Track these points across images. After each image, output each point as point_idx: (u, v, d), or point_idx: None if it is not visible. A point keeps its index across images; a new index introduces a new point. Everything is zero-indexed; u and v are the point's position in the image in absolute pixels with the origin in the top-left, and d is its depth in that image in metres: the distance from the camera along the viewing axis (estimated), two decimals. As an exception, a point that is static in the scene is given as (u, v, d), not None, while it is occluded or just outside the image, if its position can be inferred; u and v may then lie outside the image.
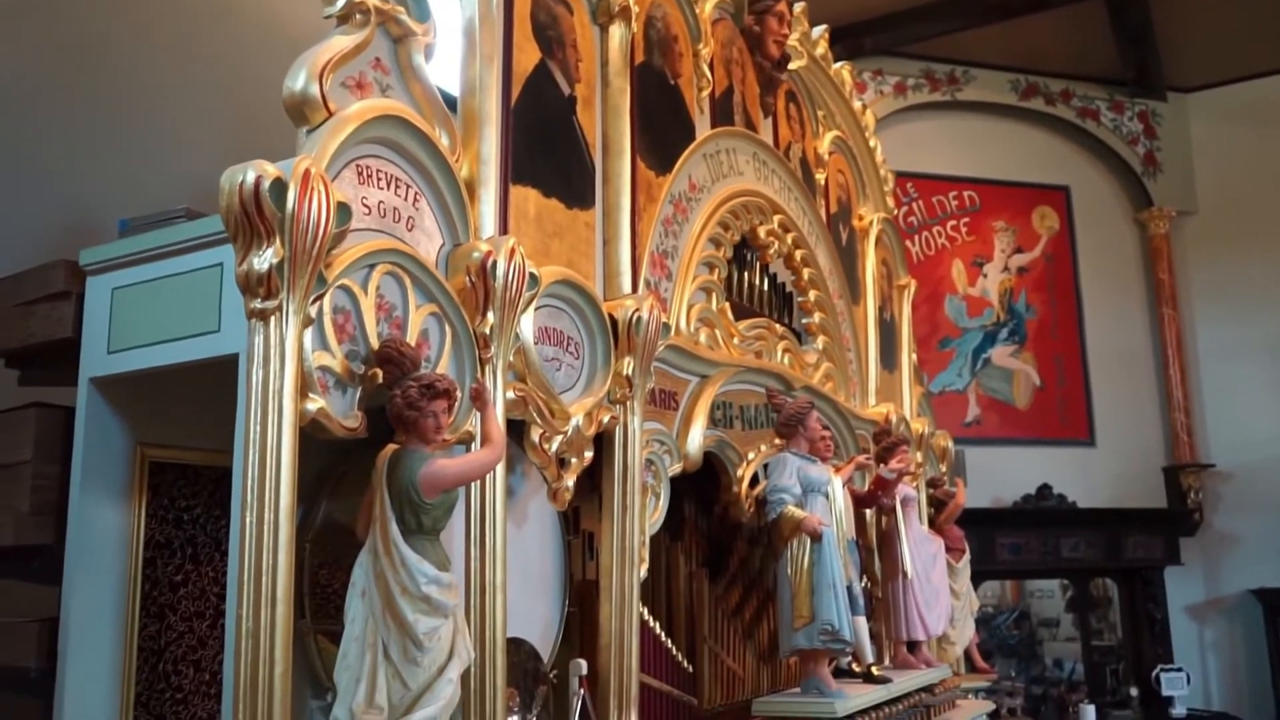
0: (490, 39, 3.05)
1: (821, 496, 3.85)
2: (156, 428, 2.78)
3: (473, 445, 2.73)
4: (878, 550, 4.87)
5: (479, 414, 2.65)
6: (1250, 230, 10.49)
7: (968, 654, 5.95)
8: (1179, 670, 9.60)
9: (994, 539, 9.35)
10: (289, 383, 2.20)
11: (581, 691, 3.08)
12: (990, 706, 5.37)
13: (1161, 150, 11.01)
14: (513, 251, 2.80)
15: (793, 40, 4.98)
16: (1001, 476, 9.79)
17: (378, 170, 2.61)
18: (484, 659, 2.64)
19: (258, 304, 2.20)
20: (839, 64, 5.74)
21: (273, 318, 2.21)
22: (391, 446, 2.49)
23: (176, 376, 2.59)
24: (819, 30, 5.50)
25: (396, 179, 2.67)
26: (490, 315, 2.77)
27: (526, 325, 2.96)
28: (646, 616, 3.52)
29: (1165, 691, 9.40)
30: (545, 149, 3.27)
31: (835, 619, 3.60)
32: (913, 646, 4.76)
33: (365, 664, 2.31)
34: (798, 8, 5.14)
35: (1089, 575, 10.23)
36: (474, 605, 2.65)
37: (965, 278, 10.60)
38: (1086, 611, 10.36)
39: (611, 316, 3.33)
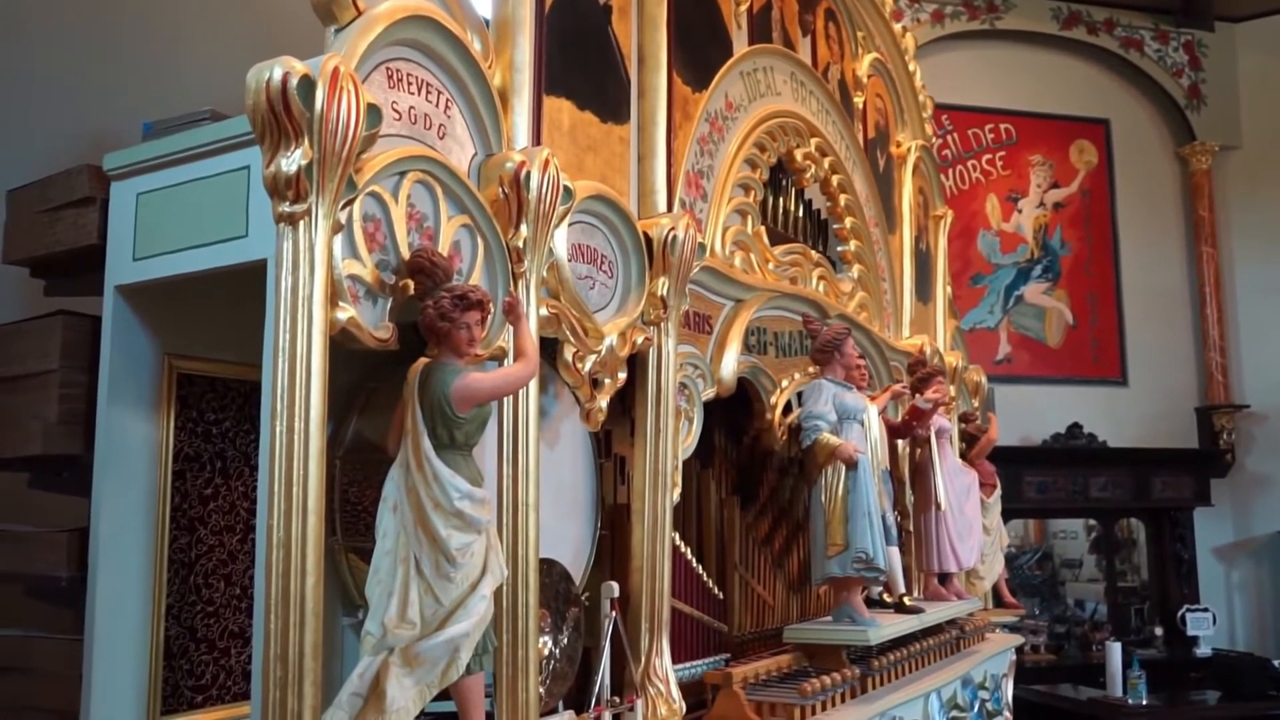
0: (524, -61, 2.91)
1: (857, 424, 3.77)
2: (185, 338, 2.73)
3: (505, 361, 2.66)
4: (910, 482, 4.80)
5: (512, 328, 2.57)
6: (1294, 166, 10.19)
7: (995, 589, 5.91)
8: (1205, 610, 9.57)
9: (1021, 478, 9.27)
10: (319, 289, 2.13)
11: (613, 614, 3.05)
12: (1019, 640, 5.34)
13: (1206, 82, 10.67)
14: (547, 163, 2.70)
15: (834, -44, 4.80)
16: (1031, 415, 9.68)
17: (408, 74, 2.51)
18: (516, 578, 2.60)
19: (286, 207, 2.12)
20: (880, -18, 5.53)
21: (301, 222, 2.13)
22: (423, 360, 2.43)
23: (204, 285, 2.53)
24: (858, -53, 5.29)
25: (427, 84, 2.56)
26: (523, 228, 2.68)
27: (560, 241, 2.87)
28: (678, 542, 3.47)
29: (1190, 631, 9.38)
30: (580, 59, 3.15)
31: (870, 547, 3.55)
32: (943, 579, 4.71)
33: (397, 578, 2.27)
34: (840, -79, 4.95)
35: (1117, 515, 10.15)
36: (506, 523, 2.61)
37: (999, 213, 10.38)
38: (1112, 552, 10.30)
39: (646, 235, 3.24)
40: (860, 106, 5.23)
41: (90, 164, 2.71)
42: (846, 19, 5.19)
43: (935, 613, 4.25)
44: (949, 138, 10.18)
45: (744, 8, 4.11)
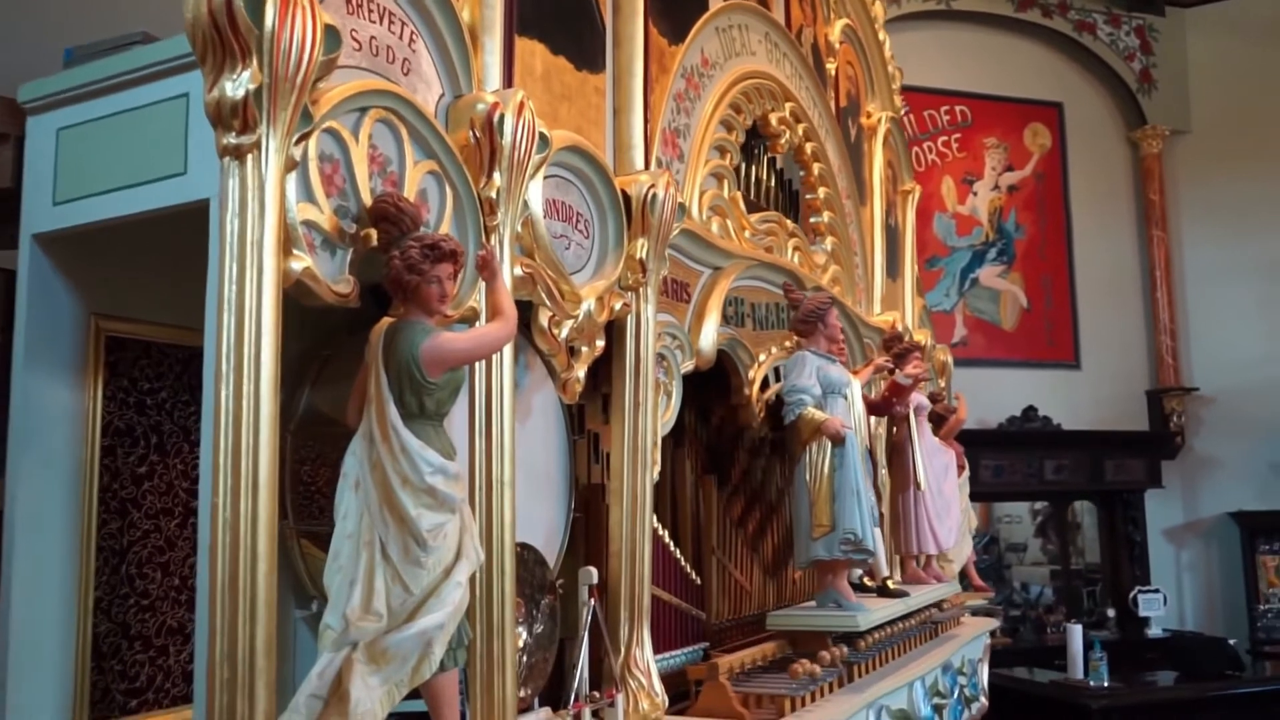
0: None
1: (841, 399, 3.58)
2: (114, 296, 2.42)
3: (478, 324, 2.40)
4: (887, 461, 4.63)
5: (486, 285, 2.32)
6: (1243, 150, 10.25)
7: (964, 572, 5.78)
8: (1156, 592, 9.62)
9: (978, 461, 9.20)
10: (270, 234, 1.86)
11: (592, 602, 2.81)
12: (995, 624, 5.21)
13: (1157, 67, 10.70)
14: (522, 106, 2.45)
15: (806, -87, 4.59)
16: (987, 398, 9.61)
17: (369, 0, 2.23)
18: (492, 563, 2.35)
19: (231, 139, 1.84)
20: (849, -53, 5.33)
21: (249, 156, 1.85)
22: (387, 320, 2.16)
23: (137, 234, 2.24)
24: (831, -93, 5.09)
25: (390, 13, 2.29)
26: (496, 177, 2.43)
27: (535, 194, 2.62)
28: (655, 525, 3.25)
29: (1143, 613, 9.42)
30: (554, 1, 2.89)
31: (858, 527, 3.36)
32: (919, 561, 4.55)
33: (361, 565, 2.01)
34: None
35: (1071, 498, 10.17)
36: (480, 504, 2.35)
37: (955, 195, 10.31)
38: (1065, 535, 10.32)
39: (624, 193, 3.00)
40: (832, 73, 5.03)
41: (3, 96, 2.38)
42: (819, -19, 4.99)
43: (920, 595, 4.08)
44: (905, 119, 10.05)
45: (719, -41, 3.88)
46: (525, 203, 2.55)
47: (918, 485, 4.30)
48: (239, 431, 1.80)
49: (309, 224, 1.99)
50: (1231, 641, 8.33)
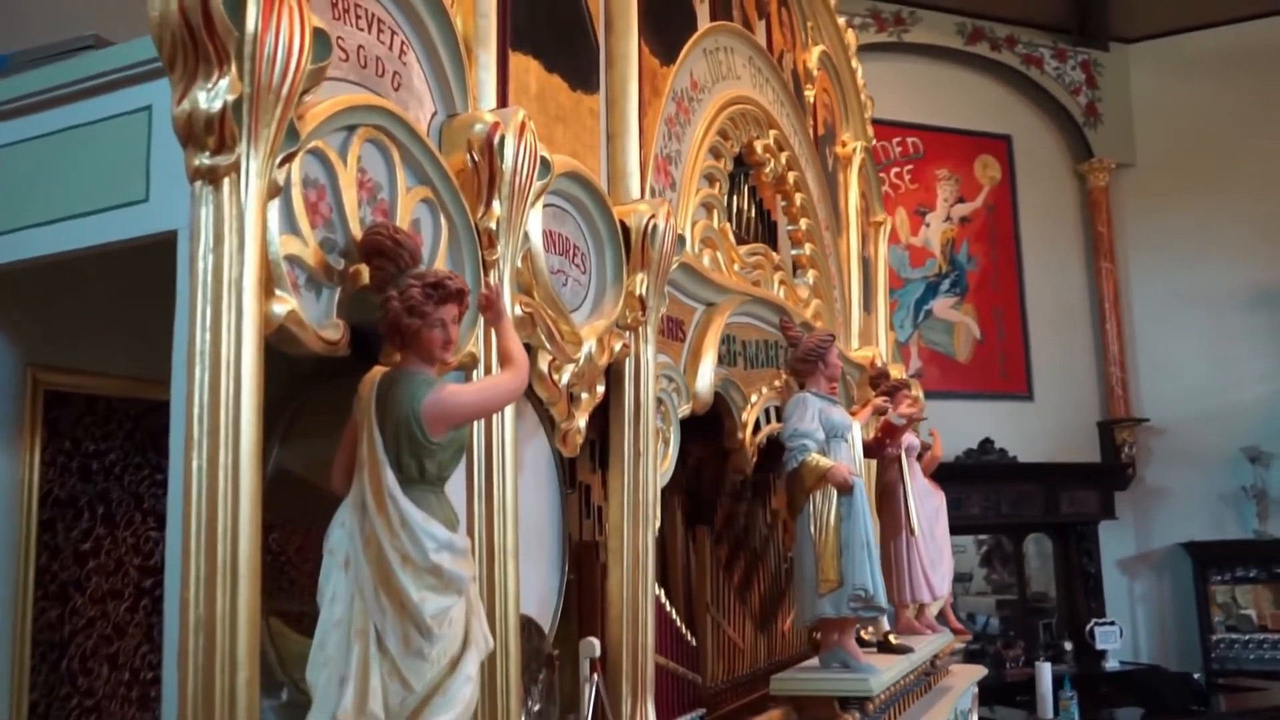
0: None
1: (844, 443, 3.35)
2: (54, 344, 2.08)
3: (475, 372, 2.13)
4: (877, 505, 4.41)
5: (494, 329, 2.04)
6: (1186, 184, 10.39)
7: (941, 613, 5.59)
8: (1112, 624, 9.58)
9: (936, 494, 9.09)
10: (250, 271, 1.57)
11: (594, 677, 2.53)
12: (984, 672, 5.02)
13: (1102, 101, 10.83)
14: (523, 127, 2.19)
15: (786, -65, 4.42)
16: (943, 430, 9.40)
17: (356, 4, 1.97)
18: (495, 644, 2.05)
19: (205, 159, 1.55)
20: (823, -28, 5.19)
21: (226, 179, 1.56)
22: (378, 369, 1.88)
23: (82, 272, 1.92)
24: (806, -70, 4.93)
25: (380, 21, 2.02)
26: (496, 206, 2.16)
27: (534, 225, 2.35)
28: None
29: (1099, 645, 9.37)
30: (547, 12, 2.65)
31: (869, 582, 3.12)
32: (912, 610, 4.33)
33: (353, 658, 1.71)
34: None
35: (1026, 530, 10.11)
36: (480, 576, 2.06)
37: (908, 227, 10.27)
38: (1021, 567, 10.24)
39: (623, 224, 2.74)
40: (811, 101, 4.85)
41: (-77, 111, 2.05)
42: (798, 6, 4.82)
43: (922, 651, 3.86)
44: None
45: (706, -21, 3.67)
46: (526, 234, 2.28)
47: (911, 530, 4.09)
48: (214, 510, 1.50)
49: (293, 259, 1.70)
50: (1196, 676, 8.28)
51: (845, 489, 3.17)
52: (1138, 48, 10.91)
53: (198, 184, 1.56)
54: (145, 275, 1.82)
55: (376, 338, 1.91)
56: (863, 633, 3.81)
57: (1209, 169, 10.31)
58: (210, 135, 1.54)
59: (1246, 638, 9.52)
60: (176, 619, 1.48)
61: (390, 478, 1.75)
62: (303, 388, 2.30)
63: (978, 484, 9.40)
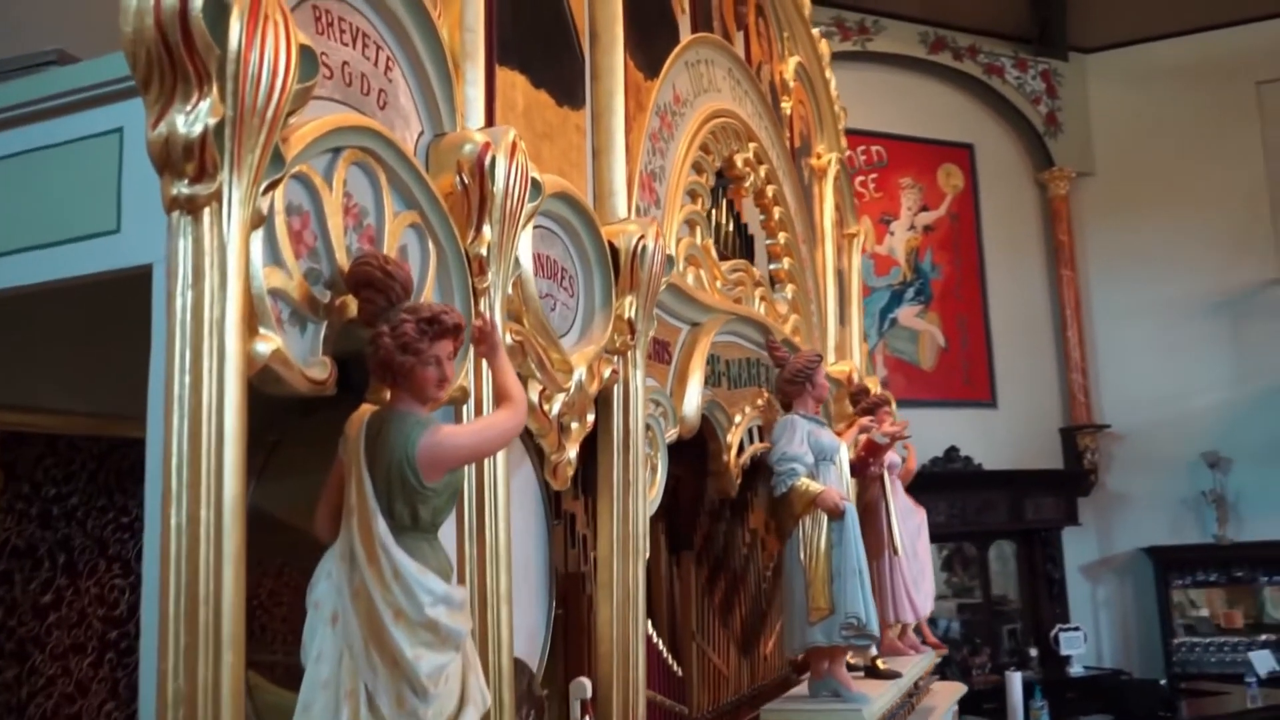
0: None
1: (833, 465, 3.27)
2: (10, 381, 1.93)
3: (465, 407, 2.01)
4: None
5: (488, 363, 1.93)
6: (1144, 193, 10.49)
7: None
8: (1076, 629, 9.63)
9: (902, 503, 9.08)
10: (233, 309, 1.44)
11: (587, 719, 2.42)
12: (964, 689, 4.97)
13: (1062, 110, 10.90)
14: (514, 147, 2.08)
15: (763, -56, 4.35)
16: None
17: (340, 19, 1.85)
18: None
19: (184, 188, 1.43)
20: (797, -18, 5.12)
21: (207, 210, 1.44)
22: (366, 407, 1.76)
23: (43, 303, 1.77)
24: (782, -61, 4.86)
25: (365, 35, 1.91)
26: (486, 231, 2.05)
27: (524, 249, 2.24)
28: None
29: (1064, 651, 9.40)
30: (533, 26, 2.54)
31: (861, 610, 3.04)
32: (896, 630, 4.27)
33: (342, 720, 1.59)
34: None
35: (992, 537, 10.14)
36: (474, 624, 1.95)
37: (873, 235, 10.23)
38: (986, 574, 10.26)
39: (612, 245, 2.64)
40: (788, 113, 4.79)
41: None
42: (774, 16, 4.75)
43: (910, 673, 3.79)
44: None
45: (687, -11, 3.58)
46: (517, 259, 2.17)
47: (894, 550, 4.03)
48: (194, 570, 1.37)
49: (276, 293, 1.58)
50: (1162, 683, 8.33)
51: (836, 514, 3.10)
52: (1096, 58, 11.01)
53: (175, 214, 1.44)
54: (112, 305, 1.69)
55: (360, 367, 1.80)
56: (849, 657, 3.72)
57: (1167, 178, 10.42)
58: (189, 162, 1.42)
59: (1208, 641, 9.62)
60: (153, 692, 1.35)
61: (382, 526, 1.64)
62: (281, 420, 2.17)
63: (944, 492, 9.39)
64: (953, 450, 9.68)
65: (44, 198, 1.64)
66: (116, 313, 1.68)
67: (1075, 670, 9.49)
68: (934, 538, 9.72)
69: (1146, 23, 10.58)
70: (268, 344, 1.52)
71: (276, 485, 2.16)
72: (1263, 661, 8.05)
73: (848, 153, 9.84)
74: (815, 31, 5.29)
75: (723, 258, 3.92)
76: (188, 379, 1.41)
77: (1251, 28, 10.42)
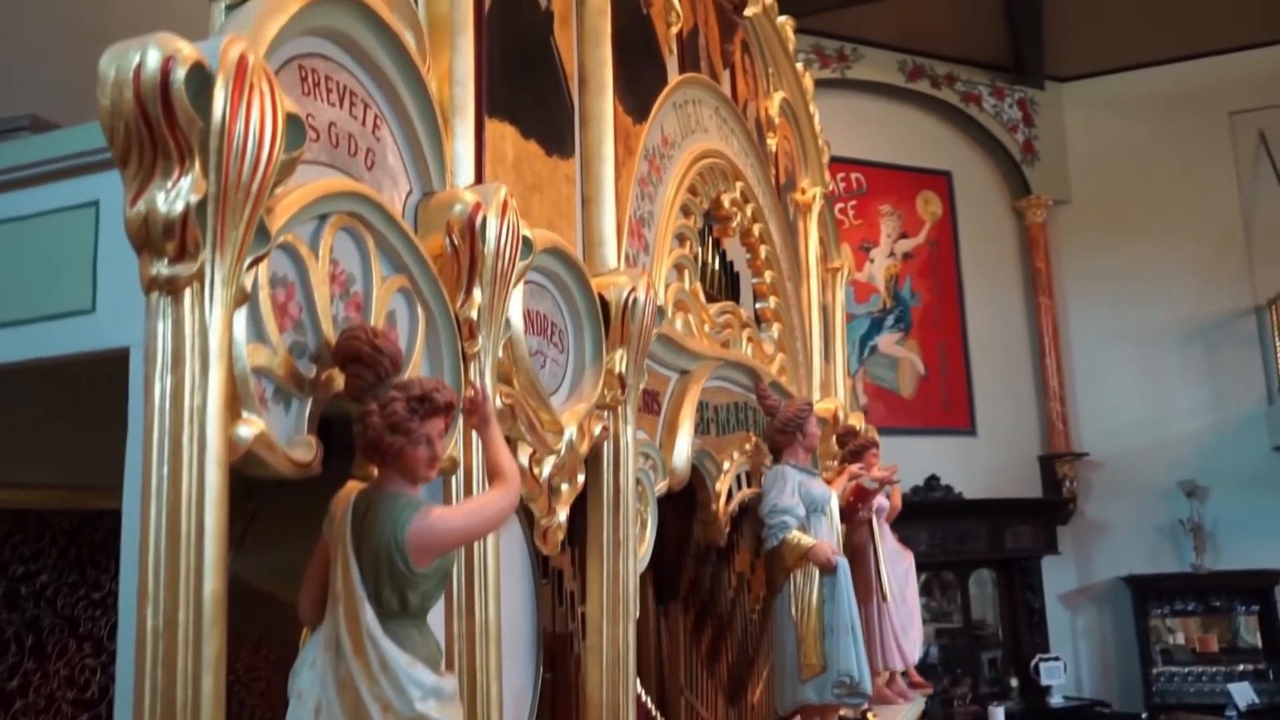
0: (462, -86, 2.23)
1: (824, 517, 3.21)
2: (-24, 456, 1.85)
3: (454, 477, 1.94)
4: (845, 568, 4.28)
5: (479, 436, 1.86)
6: (1121, 221, 10.55)
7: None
8: (1056, 659, 9.61)
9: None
10: (215, 394, 1.37)
11: (577, 794, 2.33)
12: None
13: (1039, 139, 10.98)
14: (505, 206, 2.02)
15: (747, -19, 4.31)
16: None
17: (327, 77, 1.78)
18: (478, 781, 1.86)
19: (164, 268, 1.35)
20: (781, 18, 5.10)
21: (187, 290, 1.36)
22: (353, 485, 1.68)
23: (9, 375, 1.68)
24: (767, -25, 4.84)
25: (353, 94, 1.84)
26: (476, 293, 1.98)
27: (515, 308, 2.18)
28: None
29: (1044, 681, 9.38)
30: (523, 76, 2.48)
31: (854, 668, 2.98)
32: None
33: (327, 824, 1.51)
34: (755, -56, 4.47)
35: (972, 566, 10.11)
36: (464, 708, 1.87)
37: (853, 262, 10.19)
38: (967, 602, 10.23)
39: (602, 298, 2.58)
40: (773, 149, 4.75)
41: None
42: (759, 53, 4.72)
43: (900, 725, 3.74)
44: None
45: (675, 30, 3.54)
46: (507, 320, 2.10)
47: (883, 596, 3.97)
48: (172, 676, 1.29)
49: (260, 371, 1.50)
50: (1143, 717, 8.31)
51: (828, 569, 3.03)
52: (1072, 86, 11.10)
53: (154, 295, 1.36)
54: (87, 378, 1.61)
55: (345, 429, 1.72)
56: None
57: (1142, 206, 10.50)
58: (170, 241, 1.34)
59: (1186, 670, 9.61)
60: (127, 810, 1.26)
61: (369, 615, 1.56)
62: (261, 488, 2.09)
63: (924, 521, 9.36)
64: (933, 479, 9.66)
65: (14, 273, 1.56)
66: (91, 385, 1.59)
67: (1056, 700, 9.47)
68: (916, 567, 9.77)
69: (1121, 53, 10.68)
70: (250, 428, 1.44)
71: (256, 555, 2.08)
72: (1242, 694, 8.05)
73: (828, 181, 9.95)
74: (799, 66, 5.26)
75: (709, 299, 3.87)
76: (166, 470, 1.33)
77: (1224, 59, 10.54)
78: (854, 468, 3.78)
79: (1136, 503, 10.10)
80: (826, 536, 3.15)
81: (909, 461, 9.55)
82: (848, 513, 4.02)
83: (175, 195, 1.34)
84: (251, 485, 2.07)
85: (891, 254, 10.42)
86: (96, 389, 1.55)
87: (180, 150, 1.34)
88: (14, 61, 2.19)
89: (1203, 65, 10.60)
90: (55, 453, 1.85)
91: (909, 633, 4.15)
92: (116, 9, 2.43)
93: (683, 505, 3.55)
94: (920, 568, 9.77)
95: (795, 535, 3.08)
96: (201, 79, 1.35)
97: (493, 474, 1.78)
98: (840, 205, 10.18)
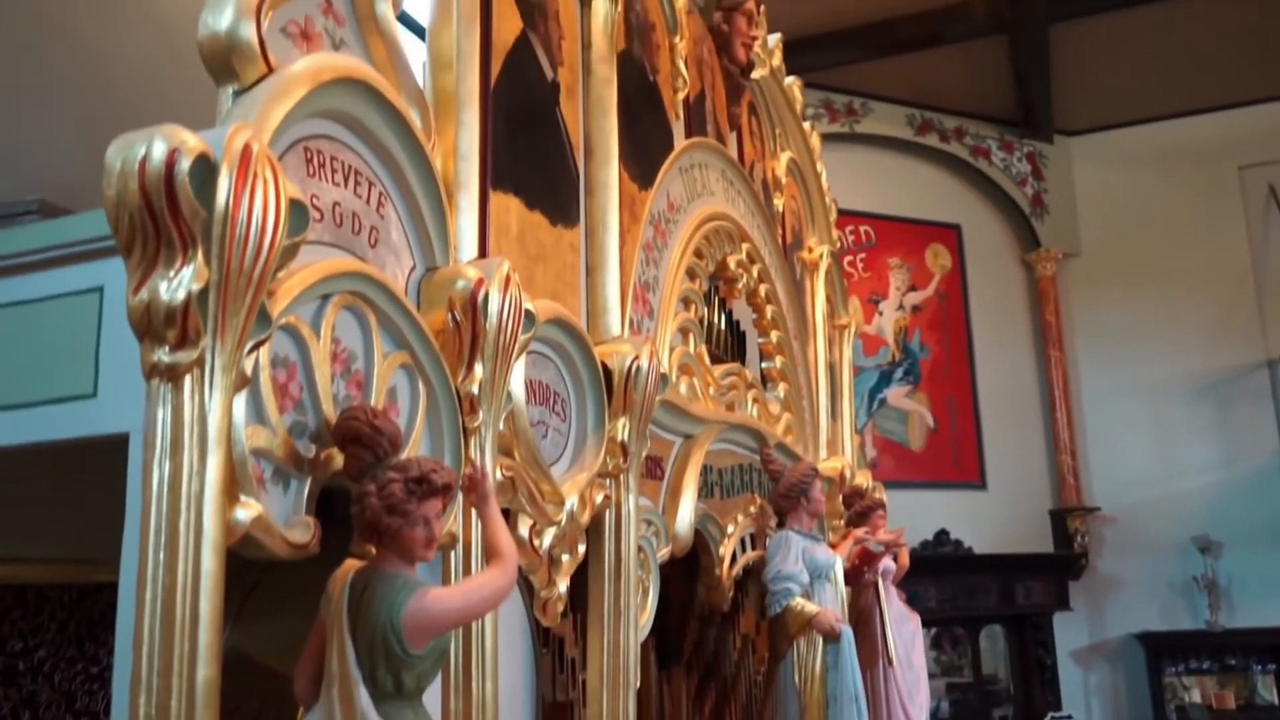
0: (470, -7, 2.28)
1: (828, 583, 3.19)
2: (-23, 532, 1.87)
3: (454, 552, 1.94)
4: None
5: (477, 513, 1.86)
6: (1130, 275, 10.54)
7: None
8: (1069, 717, 9.46)
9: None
10: (212, 481, 1.38)
11: None
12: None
13: (1048, 192, 11.01)
14: (508, 280, 2.04)
15: (755, 46, 4.37)
16: (898, 521, 9.24)
17: (332, 158, 1.81)
18: None
19: (164, 355, 1.37)
20: (789, 79, 5.16)
21: (188, 376, 1.38)
22: (350, 563, 1.68)
23: (9, 454, 1.70)
24: (774, 39, 4.90)
25: (357, 173, 1.87)
26: (478, 368, 1.99)
27: (516, 380, 2.19)
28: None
29: (1056, 739, 9.22)
30: (528, 147, 2.51)
31: (858, 740, 2.94)
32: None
33: None
34: (762, 8, 4.53)
35: (983, 622, 9.99)
36: (458, 785, 1.86)
37: (861, 315, 10.25)
38: (978, 659, 10.10)
39: (605, 366, 2.59)
40: (780, 209, 4.78)
41: None
42: (766, 114, 4.77)
43: (906, 796, 3.68)
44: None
45: (682, 95, 3.59)
46: (509, 394, 2.11)
47: (889, 661, 3.92)
48: (162, 767, 1.29)
49: (259, 453, 1.51)
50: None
51: (832, 637, 3.01)
52: (1080, 140, 11.15)
53: (154, 381, 1.37)
54: (88, 457, 1.62)
55: (345, 500, 1.72)
56: (844, 777, 3.61)
57: (1153, 260, 10.49)
58: (171, 329, 1.36)
59: (1202, 731, 9.45)
60: None
61: (364, 698, 1.56)
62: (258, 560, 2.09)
63: (934, 576, 9.27)
64: (943, 533, 9.57)
65: (18, 356, 1.58)
66: (94, 463, 1.61)
67: (1067, 760, 9.32)
68: (925, 623, 9.66)
69: (1129, 107, 10.74)
70: (248, 511, 1.45)
71: (255, 627, 2.08)
72: (1260, 755, 7.88)
73: (836, 233, 9.99)
74: (806, 126, 5.32)
75: (716, 359, 3.88)
76: (162, 556, 1.34)
77: (1232, 113, 10.59)
78: (859, 532, 3.76)
79: (1149, 558, 9.98)
80: (831, 603, 3.13)
81: (918, 515, 9.49)
82: (853, 576, 4.00)
83: (177, 284, 1.36)
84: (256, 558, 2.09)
85: (901, 306, 10.42)
86: (99, 467, 1.56)
87: (184, 240, 1.36)
88: (28, 145, 2.24)
89: (1211, 120, 10.65)
90: (56, 527, 1.86)
91: (915, 698, 4.09)
92: (131, 92, 2.48)
93: (688, 566, 3.54)
94: (930, 623, 9.75)
95: (799, 603, 3.06)
96: (206, 169, 1.37)
97: (490, 553, 1.78)
98: (849, 258, 10.22)
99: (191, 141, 1.37)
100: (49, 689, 1.98)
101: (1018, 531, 9.98)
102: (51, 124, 2.38)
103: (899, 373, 10.26)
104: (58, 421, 1.53)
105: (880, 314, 10.35)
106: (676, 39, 3.55)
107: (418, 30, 2.44)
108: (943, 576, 9.32)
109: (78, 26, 2.50)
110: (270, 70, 1.64)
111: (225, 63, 1.60)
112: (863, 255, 10.33)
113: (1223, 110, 10.59)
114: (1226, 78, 10.28)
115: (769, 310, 4.35)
